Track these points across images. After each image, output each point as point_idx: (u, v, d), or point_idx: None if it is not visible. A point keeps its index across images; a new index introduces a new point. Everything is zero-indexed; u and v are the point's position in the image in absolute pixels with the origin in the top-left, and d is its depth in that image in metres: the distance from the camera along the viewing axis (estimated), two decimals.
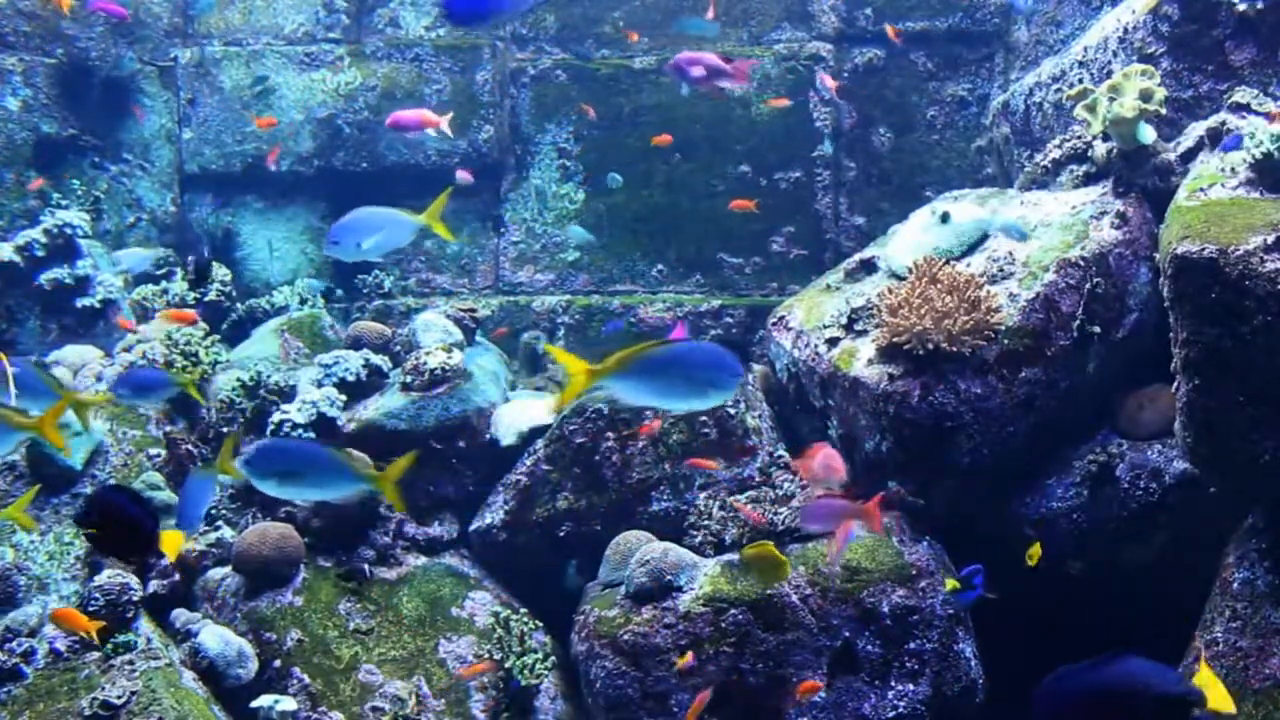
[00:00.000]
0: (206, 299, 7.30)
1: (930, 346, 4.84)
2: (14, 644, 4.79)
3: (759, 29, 7.65)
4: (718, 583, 4.97)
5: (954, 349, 4.83)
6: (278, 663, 5.20)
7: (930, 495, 5.08)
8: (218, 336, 6.89)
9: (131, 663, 4.72)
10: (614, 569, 5.31)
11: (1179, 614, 4.55)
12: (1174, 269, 4.06)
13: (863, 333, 5.25)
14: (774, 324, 5.92)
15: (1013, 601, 4.70)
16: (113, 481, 5.60)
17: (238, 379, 6.10)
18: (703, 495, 5.51)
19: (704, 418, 5.65)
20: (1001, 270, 5.14)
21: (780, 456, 5.58)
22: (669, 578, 5.02)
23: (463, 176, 7.27)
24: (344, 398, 5.97)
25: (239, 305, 7.39)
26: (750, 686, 4.82)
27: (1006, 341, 4.90)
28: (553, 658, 5.39)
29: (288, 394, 6.04)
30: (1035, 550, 4.79)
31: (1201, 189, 4.48)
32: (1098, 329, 5.02)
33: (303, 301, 7.38)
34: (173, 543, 3.44)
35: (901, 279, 5.27)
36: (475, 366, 6.22)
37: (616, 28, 7.74)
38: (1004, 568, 4.70)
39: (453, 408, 5.98)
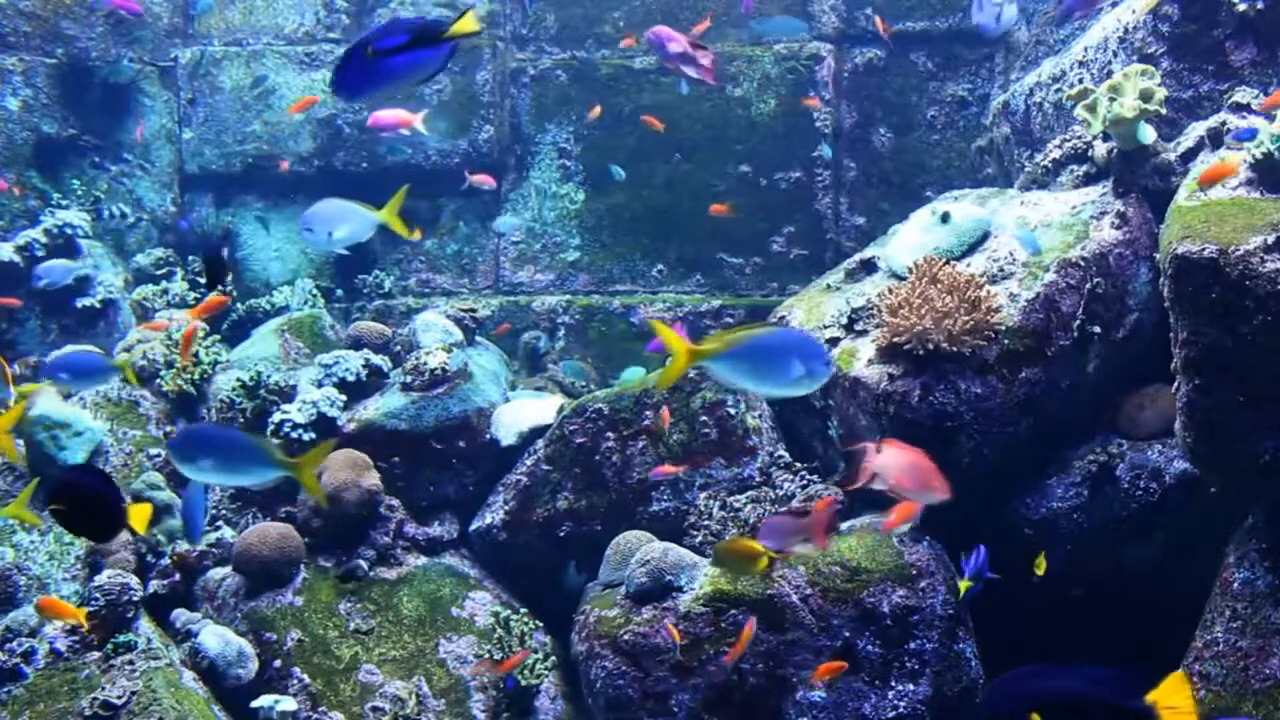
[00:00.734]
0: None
1: (930, 346, 4.84)
2: (14, 644, 4.79)
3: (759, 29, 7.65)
4: (718, 582, 4.97)
5: (954, 349, 4.83)
6: (278, 663, 5.21)
7: None
8: (218, 336, 6.89)
9: (132, 663, 4.72)
10: (614, 569, 5.31)
11: (1179, 614, 4.55)
12: (1174, 269, 4.07)
13: (863, 333, 5.24)
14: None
15: (1013, 601, 4.70)
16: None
17: (238, 379, 6.10)
18: (703, 495, 5.51)
19: (704, 417, 5.66)
20: (1002, 270, 5.14)
21: (780, 456, 5.57)
22: (669, 578, 5.01)
23: (481, 180, 7.28)
24: (344, 398, 5.97)
25: (239, 305, 7.39)
26: (750, 686, 4.82)
27: (1007, 341, 4.90)
28: (553, 658, 5.40)
29: (288, 394, 6.04)
30: (1041, 561, 4.79)
31: (1202, 189, 4.48)
32: (1098, 329, 5.02)
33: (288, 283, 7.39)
34: (140, 517, 3.49)
35: (902, 279, 5.27)
36: (475, 366, 6.22)
37: (617, 28, 7.73)
38: (1005, 568, 4.69)
39: (453, 408, 5.98)
